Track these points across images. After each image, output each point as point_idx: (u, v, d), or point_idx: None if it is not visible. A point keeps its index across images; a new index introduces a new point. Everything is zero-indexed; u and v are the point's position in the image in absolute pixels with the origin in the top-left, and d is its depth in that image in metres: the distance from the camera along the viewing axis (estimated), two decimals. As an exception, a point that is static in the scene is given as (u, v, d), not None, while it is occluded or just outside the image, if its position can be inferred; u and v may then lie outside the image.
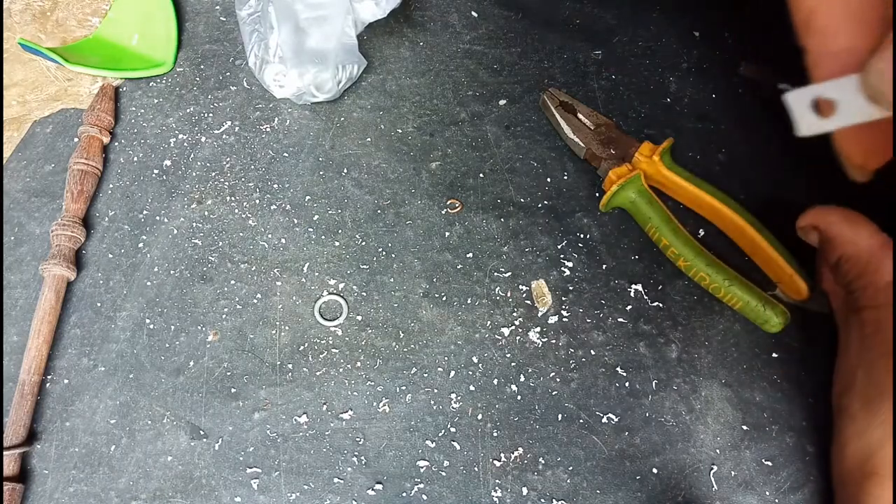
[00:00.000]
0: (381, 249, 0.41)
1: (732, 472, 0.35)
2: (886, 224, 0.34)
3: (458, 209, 0.42)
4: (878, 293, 0.32)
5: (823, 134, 0.28)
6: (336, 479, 0.35)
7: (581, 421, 0.36)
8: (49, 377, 0.38)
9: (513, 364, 0.38)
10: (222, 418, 0.37)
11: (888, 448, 0.29)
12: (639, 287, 0.40)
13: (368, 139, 0.45)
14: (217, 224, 0.42)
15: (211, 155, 0.44)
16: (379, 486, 0.35)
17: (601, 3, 0.50)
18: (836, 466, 0.33)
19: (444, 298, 0.40)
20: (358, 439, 0.36)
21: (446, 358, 0.38)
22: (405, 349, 0.38)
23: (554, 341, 0.38)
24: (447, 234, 0.41)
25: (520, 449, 0.36)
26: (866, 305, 0.33)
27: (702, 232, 0.41)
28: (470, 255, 0.41)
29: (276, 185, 0.43)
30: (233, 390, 0.37)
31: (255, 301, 0.40)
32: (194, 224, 0.42)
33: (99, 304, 0.40)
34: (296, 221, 0.42)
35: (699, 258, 0.37)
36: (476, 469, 0.35)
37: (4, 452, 0.34)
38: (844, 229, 0.34)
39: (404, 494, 0.35)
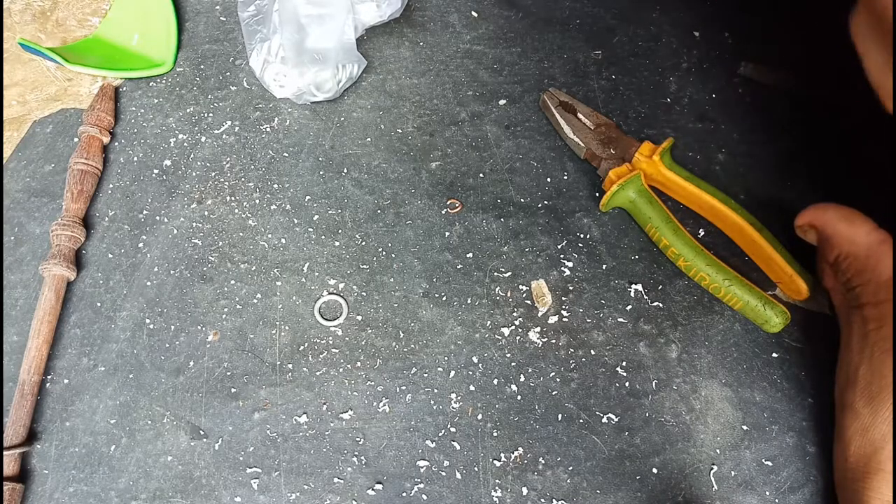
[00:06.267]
0: (381, 249, 0.41)
1: (732, 472, 0.35)
2: (885, 221, 0.34)
3: (458, 209, 0.42)
4: (879, 290, 0.32)
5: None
6: (336, 479, 0.35)
7: (581, 421, 0.36)
8: (49, 377, 0.38)
9: (513, 364, 0.38)
10: (222, 418, 0.37)
11: (892, 445, 0.29)
12: (639, 287, 0.40)
13: (368, 139, 0.45)
14: (217, 224, 0.42)
15: (211, 155, 0.44)
16: (379, 486, 0.35)
17: (601, 2, 0.50)
18: (838, 463, 0.33)
19: (444, 298, 0.40)
20: (358, 439, 0.36)
21: (446, 358, 0.38)
22: (405, 349, 0.38)
23: (554, 341, 0.38)
24: (447, 234, 0.41)
25: (520, 449, 0.36)
26: (867, 302, 0.33)
27: (702, 232, 0.41)
28: (470, 255, 0.41)
29: (276, 185, 0.43)
30: (233, 390, 0.37)
31: (255, 301, 0.40)
32: (194, 224, 0.42)
33: (99, 304, 0.40)
34: (296, 221, 0.42)
35: (699, 258, 0.37)
36: (476, 469, 0.35)
37: (4, 452, 0.34)
38: (842, 227, 0.34)
39: (404, 494, 0.35)
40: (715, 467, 0.35)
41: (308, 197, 0.43)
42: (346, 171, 0.44)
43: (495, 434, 0.36)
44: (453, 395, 0.37)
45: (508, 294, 0.40)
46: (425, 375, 0.38)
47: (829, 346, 0.36)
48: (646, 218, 0.39)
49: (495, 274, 0.40)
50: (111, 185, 0.43)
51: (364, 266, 0.41)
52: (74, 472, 0.36)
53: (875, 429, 0.30)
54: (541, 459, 0.36)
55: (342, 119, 0.45)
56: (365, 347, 0.38)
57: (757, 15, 0.48)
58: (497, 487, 0.35)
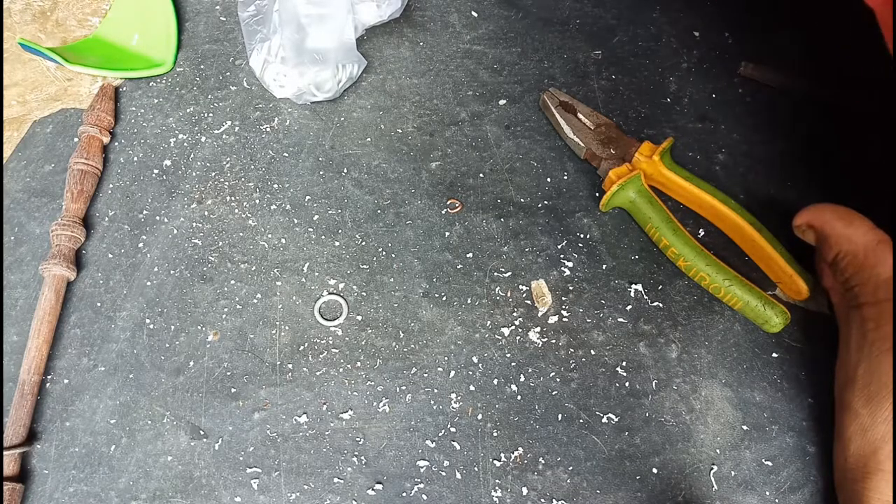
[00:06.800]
0: (381, 249, 0.41)
1: (732, 472, 0.35)
2: (884, 221, 0.34)
3: (458, 209, 0.42)
4: (878, 289, 0.32)
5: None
6: (336, 479, 0.35)
7: (581, 421, 0.36)
8: (49, 377, 0.38)
9: (513, 364, 0.38)
10: (222, 418, 0.37)
11: (891, 445, 0.29)
12: (639, 287, 0.40)
13: (368, 139, 0.45)
14: (217, 224, 0.42)
15: (211, 155, 0.44)
16: (379, 486, 0.35)
17: (601, 3, 0.50)
18: (838, 463, 0.33)
19: (444, 298, 0.40)
20: (358, 439, 0.36)
21: (446, 358, 0.38)
22: (405, 349, 0.38)
23: (554, 341, 0.38)
24: (447, 234, 0.41)
25: (520, 449, 0.36)
26: (865, 302, 0.33)
27: (702, 232, 0.41)
28: (470, 255, 0.41)
29: (276, 185, 0.43)
30: (233, 390, 0.37)
31: (255, 301, 0.40)
32: (194, 224, 0.42)
33: (99, 304, 0.40)
34: (296, 221, 0.42)
35: (699, 258, 0.37)
36: (476, 469, 0.35)
37: (4, 452, 0.34)
38: (840, 227, 0.34)
39: (404, 494, 0.35)
40: (715, 467, 0.35)
41: (308, 197, 0.43)
42: (346, 171, 0.44)
43: (495, 434, 0.36)
44: (453, 395, 0.37)
45: (508, 294, 0.40)
46: (425, 375, 0.38)
47: (829, 346, 0.36)
48: (646, 218, 0.39)
49: (495, 274, 0.40)
50: (111, 185, 0.43)
51: (364, 266, 0.41)
52: (74, 472, 0.36)
53: (874, 429, 0.30)
54: (541, 459, 0.36)
55: (342, 119, 0.45)
56: (365, 347, 0.38)
57: (757, 15, 0.48)
58: (497, 487, 0.35)
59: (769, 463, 0.35)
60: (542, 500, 0.35)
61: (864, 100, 0.43)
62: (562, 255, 0.41)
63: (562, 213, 0.42)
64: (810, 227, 0.36)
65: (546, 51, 0.48)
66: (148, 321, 0.39)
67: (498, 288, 0.40)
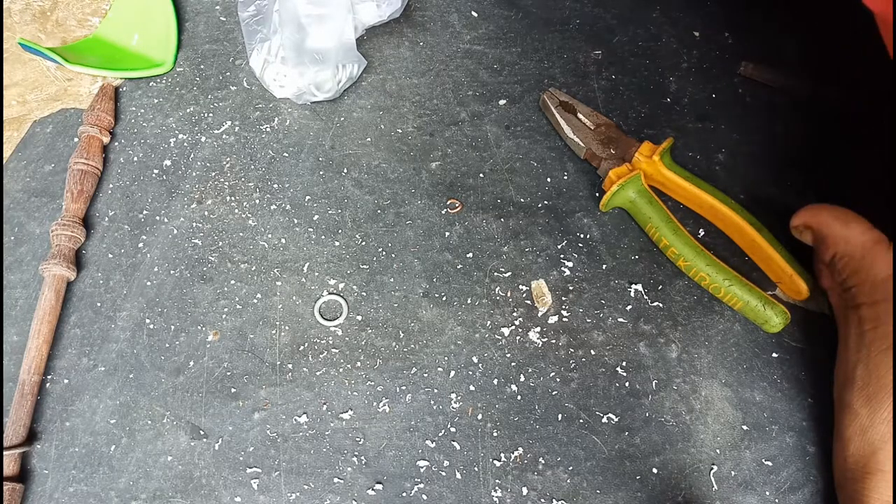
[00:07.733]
0: (381, 249, 0.41)
1: (732, 472, 0.35)
2: (882, 221, 0.34)
3: (458, 209, 0.42)
4: (875, 289, 0.32)
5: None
6: (336, 479, 0.35)
7: (581, 421, 0.36)
8: (49, 377, 0.38)
9: (513, 364, 0.38)
10: (222, 418, 0.37)
11: (891, 445, 0.29)
12: (639, 287, 0.40)
13: (368, 139, 0.45)
14: (217, 224, 0.42)
15: (211, 155, 0.44)
16: (379, 486, 0.35)
17: (601, 3, 0.50)
18: (838, 463, 0.33)
19: (444, 298, 0.40)
20: (358, 439, 0.36)
21: (446, 358, 0.38)
22: (405, 349, 0.38)
23: (554, 341, 0.38)
24: (447, 234, 0.41)
25: (520, 449, 0.36)
26: (863, 302, 0.33)
27: (702, 232, 0.41)
28: (470, 255, 0.41)
29: (276, 185, 0.43)
30: (233, 390, 0.37)
31: (255, 301, 0.40)
32: (194, 224, 0.42)
33: (99, 304, 0.40)
34: (296, 221, 0.42)
35: (699, 258, 0.37)
36: (476, 469, 0.35)
37: (4, 452, 0.34)
38: (836, 227, 0.34)
39: (404, 494, 0.35)
40: (715, 467, 0.35)
41: (308, 197, 0.43)
42: (346, 171, 0.44)
43: (495, 434, 0.36)
44: (453, 395, 0.37)
45: (508, 294, 0.40)
46: (425, 375, 0.38)
47: (829, 346, 0.36)
48: (646, 218, 0.39)
49: (495, 274, 0.40)
50: (111, 185, 0.43)
51: (364, 266, 0.41)
52: (74, 472, 0.36)
53: (873, 429, 0.30)
54: (541, 459, 0.36)
55: (342, 119, 0.45)
56: (365, 347, 0.38)
57: (757, 15, 0.48)
58: (497, 487, 0.35)
59: (769, 463, 0.35)
60: (542, 500, 0.35)
61: (863, 100, 0.43)
62: (562, 255, 0.41)
63: (562, 213, 0.42)
64: (808, 228, 0.36)
65: (546, 51, 0.48)
66: (148, 321, 0.39)
67: (498, 288, 0.40)
